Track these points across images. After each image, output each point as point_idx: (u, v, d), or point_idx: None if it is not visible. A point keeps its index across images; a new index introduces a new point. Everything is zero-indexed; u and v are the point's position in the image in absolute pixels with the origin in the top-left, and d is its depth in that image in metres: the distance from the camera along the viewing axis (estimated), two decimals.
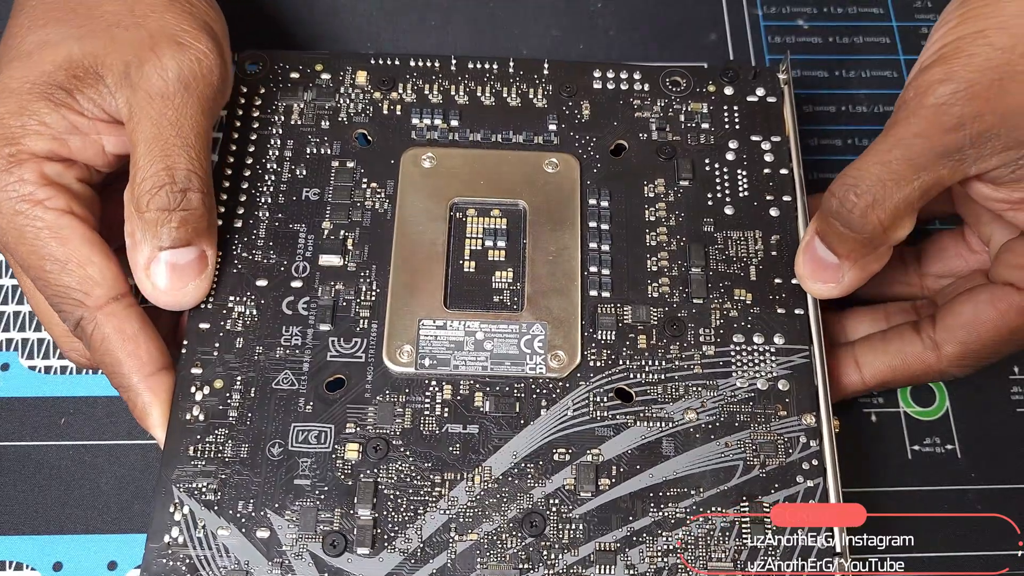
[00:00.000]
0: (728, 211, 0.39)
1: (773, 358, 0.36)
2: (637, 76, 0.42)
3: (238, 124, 0.40)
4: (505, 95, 0.41)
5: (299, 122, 0.40)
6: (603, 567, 0.33)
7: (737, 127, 0.41)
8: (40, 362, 0.41)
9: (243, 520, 0.33)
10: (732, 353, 0.37)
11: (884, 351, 0.38)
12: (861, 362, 0.38)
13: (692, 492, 0.34)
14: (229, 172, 0.39)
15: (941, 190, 0.33)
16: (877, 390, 0.39)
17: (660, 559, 0.33)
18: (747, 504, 0.34)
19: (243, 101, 0.40)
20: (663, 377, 0.36)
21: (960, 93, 0.32)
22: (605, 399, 0.36)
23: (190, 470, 0.34)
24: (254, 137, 0.40)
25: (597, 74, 0.42)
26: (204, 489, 0.34)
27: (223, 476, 0.34)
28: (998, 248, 0.37)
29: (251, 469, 0.34)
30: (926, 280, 0.41)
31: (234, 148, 0.39)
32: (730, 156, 0.40)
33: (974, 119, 0.32)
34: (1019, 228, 0.36)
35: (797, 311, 0.37)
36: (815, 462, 0.35)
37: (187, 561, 0.33)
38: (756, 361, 0.36)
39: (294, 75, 0.41)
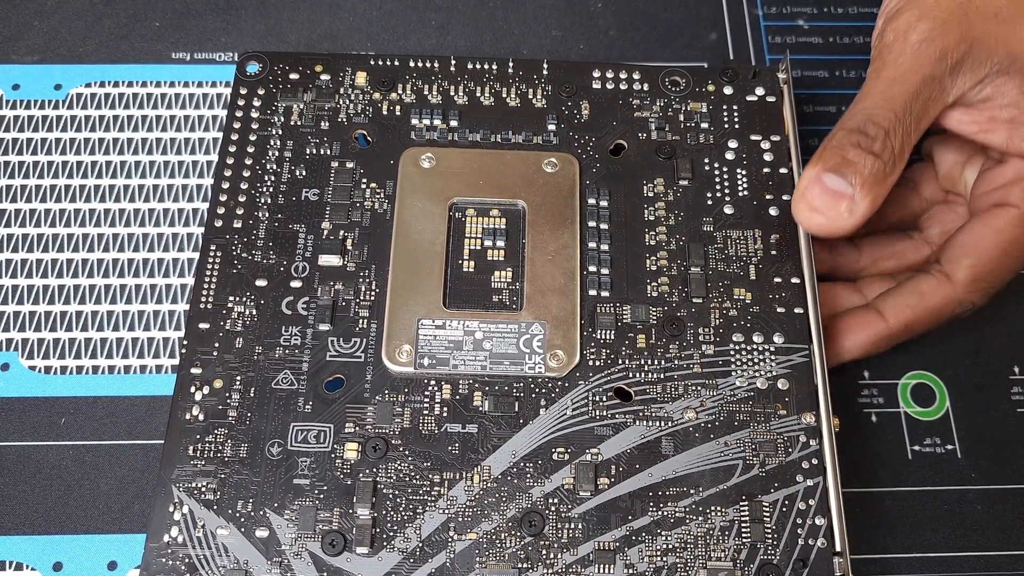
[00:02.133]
0: (728, 210, 0.39)
1: (773, 357, 0.36)
2: (636, 76, 0.42)
3: (238, 124, 0.40)
4: (504, 95, 0.41)
5: (299, 123, 0.40)
6: (602, 566, 0.33)
7: (736, 127, 0.41)
8: (40, 362, 0.41)
9: (242, 520, 0.33)
10: (731, 352, 0.37)
11: (901, 294, 0.39)
12: (882, 310, 0.39)
13: (691, 491, 0.34)
14: (229, 172, 0.39)
15: (928, 123, 0.37)
16: (904, 338, 0.40)
17: (659, 558, 0.33)
18: (746, 503, 0.34)
19: (243, 102, 0.40)
20: (662, 376, 0.36)
21: (937, 28, 0.36)
22: (604, 398, 0.36)
23: (189, 470, 0.34)
24: (254, 138, 0.40)
25: (596, 74, 0.42)
26: (203, 489, 0.34)
27: (222, 476, 0.34)
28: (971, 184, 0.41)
29: (250, 469, 0.34)
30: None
31: (234, 148, 0.39)
32: (729, 156, 0.40)
33: (954, 48, 0.36)
34: (992, 147, 0.39)
35: (797, 310, 0.37)
36: (815, 461, 0.35)
37: (187, 561, 0.33)
38: (756, 360, 0.36)
39: (294, 76, 0.41)
